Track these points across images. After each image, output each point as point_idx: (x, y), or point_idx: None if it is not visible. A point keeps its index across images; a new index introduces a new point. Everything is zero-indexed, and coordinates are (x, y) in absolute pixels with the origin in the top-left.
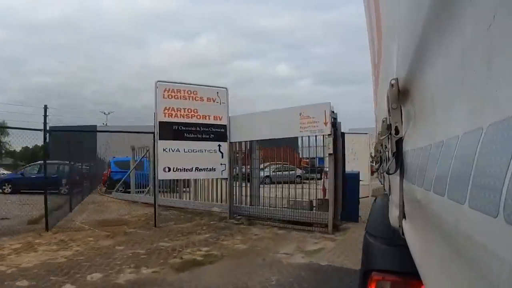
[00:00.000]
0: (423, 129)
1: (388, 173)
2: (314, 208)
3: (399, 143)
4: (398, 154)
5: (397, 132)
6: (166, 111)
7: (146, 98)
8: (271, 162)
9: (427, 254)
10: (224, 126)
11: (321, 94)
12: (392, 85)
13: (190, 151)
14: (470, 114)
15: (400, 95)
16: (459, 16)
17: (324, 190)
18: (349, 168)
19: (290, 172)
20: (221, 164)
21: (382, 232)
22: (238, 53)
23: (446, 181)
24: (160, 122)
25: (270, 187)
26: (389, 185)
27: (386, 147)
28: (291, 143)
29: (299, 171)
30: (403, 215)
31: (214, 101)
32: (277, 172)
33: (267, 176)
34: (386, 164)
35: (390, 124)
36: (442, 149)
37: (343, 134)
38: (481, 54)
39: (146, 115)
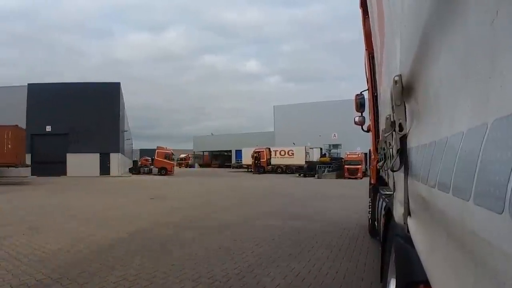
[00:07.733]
0: (427, 125)
1: (392, 170)
2: None
3: (403, 140)
4: (402, 151)
5: (401, 129)
6: None
7: None
8: None
9: (432, 251)
10: None
11: (288, 91)
12: (395, 82)
13: None
14: (475, 110)
15: (404, 92)
16: (462, 12)
17: None
18: None
19: None
20: None
21: None
22: (206, 48)
23: (451, 178)
24: None
25: None
26: (394, 182)
27: (390, 144)
28: None
29: None
30: (408, 212)
31: None
32: None
33: None
34: (390, 161)
35: (394, 121)
36: (446, 145)
37: None
38: (484, 49)
39: None
